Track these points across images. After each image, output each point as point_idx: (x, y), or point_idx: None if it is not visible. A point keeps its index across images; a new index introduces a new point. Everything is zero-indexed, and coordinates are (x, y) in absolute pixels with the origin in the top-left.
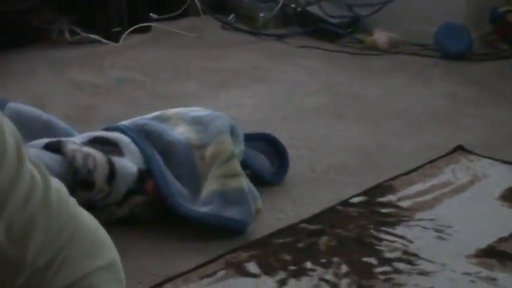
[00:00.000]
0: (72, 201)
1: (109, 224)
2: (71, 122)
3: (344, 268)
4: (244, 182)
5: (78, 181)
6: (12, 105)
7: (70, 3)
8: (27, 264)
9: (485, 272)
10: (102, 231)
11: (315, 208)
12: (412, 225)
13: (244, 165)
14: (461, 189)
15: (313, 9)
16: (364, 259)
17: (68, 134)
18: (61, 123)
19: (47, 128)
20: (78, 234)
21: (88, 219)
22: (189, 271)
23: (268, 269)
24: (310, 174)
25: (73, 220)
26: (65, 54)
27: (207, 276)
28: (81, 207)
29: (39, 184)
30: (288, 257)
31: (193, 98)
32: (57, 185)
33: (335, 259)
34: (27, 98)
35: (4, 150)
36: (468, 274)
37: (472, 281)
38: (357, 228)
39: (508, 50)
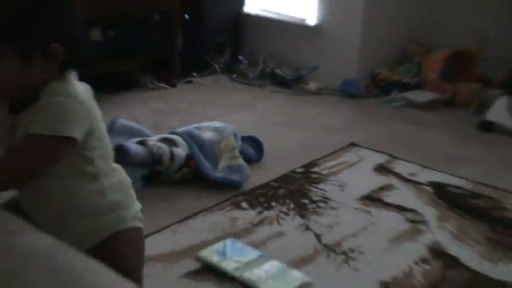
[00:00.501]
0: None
1: (170, 182)
2: (151, 129)
3: (291, 205)
4: (241, 161)
5: (155, 160)
6: (120, 120)
7: (152, 67)
8: (116, 203)
9: (364, 208)
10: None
11: (277, 174)
12: (327, 183)
13: (240, 152)
14: (352, 164)
15: (278, 71)
16: (302, 200)
17: (149, 135)
18: (146, 130)
19: (139, 133)
20: (131, 188)
21: (129, 180)
22: (211, 206)
23: (252, 205)
24: (274, 157)
25: (128, 179)
26: (148, 94)
27: (221, 209)
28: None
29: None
30: (262, 199)
31: (215, 117)
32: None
33: (287, 201)
34: (129, 117)
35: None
36: (356, 208)
37: (358, 212)
38: (298, 185)
39: (379, 93)
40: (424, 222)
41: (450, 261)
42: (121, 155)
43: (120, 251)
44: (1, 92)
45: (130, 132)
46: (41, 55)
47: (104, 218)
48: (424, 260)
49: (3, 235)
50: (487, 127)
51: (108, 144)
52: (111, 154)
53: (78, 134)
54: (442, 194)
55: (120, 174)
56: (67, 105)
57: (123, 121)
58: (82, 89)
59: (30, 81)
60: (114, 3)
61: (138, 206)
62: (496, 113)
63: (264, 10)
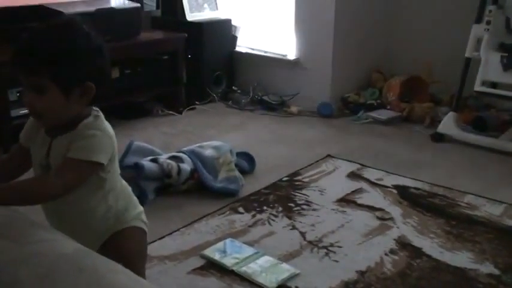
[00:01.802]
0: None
1: (178, 192)
2: (162, 148)
3: (280, 208)
4: (237, 173)
5: (165, 174)
6: (136, 142)
7: (161, 98)
8: (115, 209)
9: (340, 209)
10: (135, 197)
11: (267, 183)
12: (308, 189)
13: (236, 165)
14: (329, 173)
15: (265, 97)
16: (289, 204)
17: (160, 154)
18: (157, 149)
19: (151, 152)
20: (132, 195)
21: (129, 189)
22: (213, 212)
23: (247, 209)
24: (264, 168)
25: (129, 188)
26: (159, 120)
27: (221, 214)
28: (128, 186)
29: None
30: (255, 204)
31: (214, 137)
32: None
33: (276, 205)
34: (143, 139)
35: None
36: (333, 209)
37: (336, 212)
38: (285, 191)
39: (349, 113)
40: (391, 219)
41: (415, 251)
42: (137, 171)
43: (120, 246)
44: (46, 120)
45: (144, 152)
46: (78, 91)
47: (107, 222)
48: (392, 252)
49: (37, 243)
50: (439, 138)
51: (117, 163)
52: (118, 171)
53: (105, 160)
54: (404, 195)
55: (122, 185)
56: (100, 138)
57: (138, 143)
58: (109, 125)
59: (68, 112)
60: (131, 48)
61: (139, 209)
62: (446, 126)
63: (253, 49)
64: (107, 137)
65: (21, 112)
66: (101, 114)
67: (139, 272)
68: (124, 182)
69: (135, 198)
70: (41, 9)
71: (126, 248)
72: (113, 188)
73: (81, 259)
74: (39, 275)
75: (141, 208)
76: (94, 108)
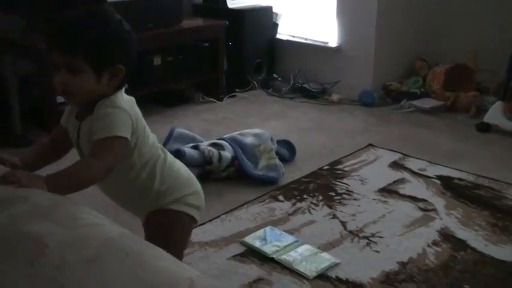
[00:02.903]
0: (177, 164)
1: (218, 180)
2: (202, 135)
3: (320, 197)
4: (277, 161)
5: (206, 161)
6: (177, 129)
7: (202, 85)
8: (155, 188)
9: (382, 199)
10: (191, 175)
11: (307, 171)
12: (349, 178)
13: (276, 153)
14: (370, 162)
15: (306, 85)
16: (329, 193)
17: (201, 141)
18: (198, 136)
19: (192, 139)
20: (180, 176)
21: (184, 169)
22: (253, 199)
23: (287, 198)
24: (304, 157)
25: (177, 168)
26: (199, 108)
27: (261, 201)
28: (180, 162)
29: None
30: (295, 193)
31: (255, 125)
32: (167, 153)
33: (316, 193)
34: (184, 126)
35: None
36: (375, 199)
37: (377, 202)
38: (325, 180)
39: (391, 102)
40: (434, 210)
41: (458, 243)
42: (178, 157)
43: (154, 227)
44: (77, 99)
45: (186, 139)
46: (108, 73)
47: (144, 198)
48: (435, 243)
49: (84, 226)
50: (485, 128)
51: (147, 143)
52: (152, 150)
53: (128, 135)
54: (448, 185)
55: (162, 165)
56: (115, 114)
57: (180, 130)
58: (126, 100)
59: (97, 93)
60: (172, 36)
61: (188, 190)
62: (492, 116)
63: (294, 36)
64: (122, 113)
65: None
66: (119, 93)
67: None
68: (172, 161)
69: (187, 178)
70: None
71: (157, 231)
72: (148, 165)
73: (127, 244)
74: (86, 258)
75: (193, 189)
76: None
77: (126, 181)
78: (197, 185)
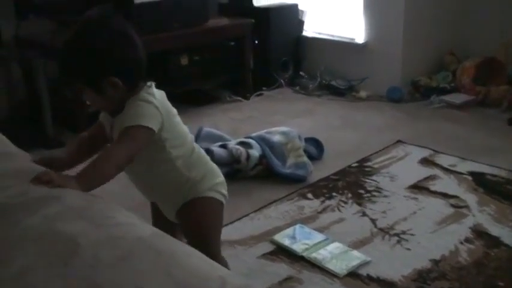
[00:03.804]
0: (205, 155)
1: (246, 179)
2: (230, 134)
3: (349, 195)
4: (305, 159)
5: (234, 160)
6: (205, 128)
7: (229, 84)
8: (191, 178)
9: (412, 196)
10: (216, 167)
11: (336, 169)
12: (379, 175)
13: (304, 151)
14: (400, 158)
15: (333, 82)
16: (358, 190)
17: (229, 140)
18: (226, 135)
19: (220, 138)
20: (209, 166)
21: (211, 162)
22: (282, 197)
23: (316, 195)
24: (333, 154)
25: (206, 159)
26: (226, 106)
27: (290, 200)
28: (208, 157)
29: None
30: (324, 190)
31: (282, 122)
32: (198, 146)
33: (345, 191)
34: (212, 125)
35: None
36: (405, 196)
37: (407, 199)
38: (354, 177)
39: (420, 97)
40: (466, 207)
41: (492, 241)
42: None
43: (192, 215)
44: (105, 109)
45: (214, 138)
46: (107, 84)
47: (181, 190)
48: (468, 240)
49: (115, 226)
50: None
51: (180, 135)
52: (186, 142)
53: (153, 126)
54: (480, 182)
55: (199, 154)
56: (143, 107)
57: (208, 129)
58: (157, 95)
59: (112, 101)
60: (199, 35)
61: (218, 179)
62: None
63: (320, 33)
64: (150, 106)
65: None
66: (149, 89)
67: (210, 243)
68: (202, 152)
69: (215, 168)
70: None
71: (196, 217)
72: (182, 156)
73: (158, 242)
74: (118, 257)
75: (221, 179)
76: (147, 84)
77: (162, 173)
78: (222, 175)
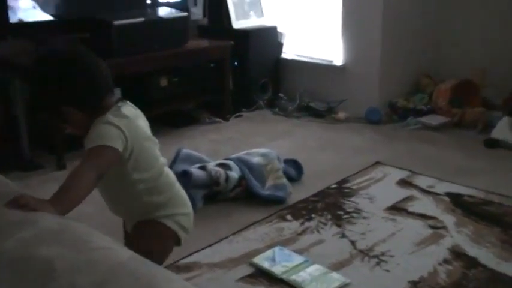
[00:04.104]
0: (176, 183)
1: (225, 201)
2: (209, 156)
3: (329, 216)
4: (284, 180)
5: (213, 182)
6: (184, 150)
7: (208, 105)
8: (150, 202)
9: (391, 217)
10: (187, 199)
11: (315, 190)
12: (358, 196)
13: (284, 172)
14: (378, 180)
15: (312, 104)
16: (337, 212)
17: (208, 161)
18: (205, 157)
19: (199, 159)
20: (175, 194)
21: (181, 192)
22: (261, 219)
23: (295, 217)
24: (312, 175)
25: (175, 187)
26: (206, 128)
27: (269, 221)
28: (179, 186)
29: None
30: (304, 212)
31: (261, 144)
32: (170, 172)
33: (324, 212)
34: (191, 147)
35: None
36: (384, 217)
37: (386, 220)
38: (333, 198)
39: (398, 119)
40: (444, 227)
41: (470, 261)
42: (186, 178)
43: (139, 235)
44: (75, 132)
45: (193, 159)
46: (63, 112)
47: (136, 208)
48: (446, 261)
49: (93, 250)
50: (493, 144)
51: (148, 159)
52: (153, 167)
53: (116, 145)
54: (458, 202)
55: (162, 181)
56: (102, 128)
57: (187, 150)
58: (130, 114)
59: (74, 125)
60: (178, 57)
61: (178, 210)
62: (500, 131)
63: (299, 55)
64: (110, 128)
65: None
66: (118, 109)
67: None
68: (172, 179)
69: (182, 199)
70: (93, 21)
71: (141, 239)
72: (145, 180)
73: (137, 267)
74: (96, 282)
75: (186, 210)
76: (117, 104)
77: (120, 191)
78: (190, 209)
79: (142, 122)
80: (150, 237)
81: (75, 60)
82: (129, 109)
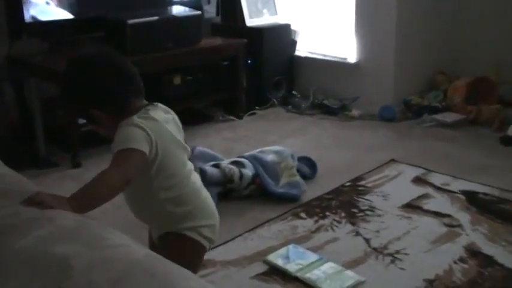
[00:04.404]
0: (202, 192)
1: (240, 198)
2: (223, 154)
3: (343, 214)
4: (298, 178)
5: (227, 180)
6: (198, 148)
7: (222, 103)
8: (173, 213)
9: (406, 215)
10: (214, 208)
11: (329, 188)
12: (372, 194)
13: (298, 170)
14: (393, 177)
15: (325, 101)
16: (352, 209)
17: (222, 159)
18: (219, 155)
19: (213, 157)
20: (199, 205)
21: (209, 201)
22: (275, 217)
23: (310, 215)
24: (326, 173)
25: (201, 197)
26: (220, 126)
27: (283, 219)
28: (206, 195)
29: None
30: (318, 210)
31: (275, 142)
32: (197, 178)
33: (339, 210)
34: (205, 145)
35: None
36: (398, 215)
37: (401, 218)
38: (348, 196)
39: (412, 116)
40: (459, 226)
41: (486, 260)
42: (200, 176)
43: (167, 249)
44: (103, 135)
45: (207, 157)
46: (92, 114)
47: (160, 219)
48: (462, 260)
49: (109, 248)
50: (509, 141)
51: (172, 166)
52: (177, 174)
53: (142, 148)
54: (473, 200)
55: (188, 191)
56: (126, 131)
57: (201, 148)
58: (159, 116)
59: (103, 127)
60: (192, 55)
61: (202, 222)
62: None
63: (312, 53)
64: (135, 129)
65: None
66: (147, 112)
67: None
68: (197, 187)
69: (207, 209)
70: (107, 20)
71: (170, 254)
72: (169, 188)
73: (153, 264)
74: (112, 279)
75: (210, 222)
76: (146, 107)
77: (143, 199)
78: (216, 219)
79: (172, 127)
80: (177, 254)
81: (101, 64)
82: (159, 113)
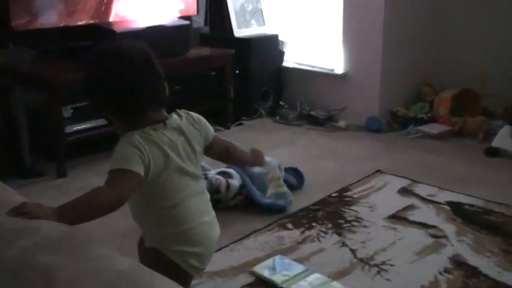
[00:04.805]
0: (200, 214)
1: (226, 209)
2: (210, 164)
3: (329, 225)
4: (285, 189)
5: (214, 190)
6: None
7: (209, 113)
8: (158, 232)
9: (391, 226)
10: (206, 237)
11: (316, 198)
12: (358, 205)
13: (284, 181)
14: (379, 188)
15: (313, 112)
16: (338, 220)
17: (209, 170)
18: (206, 165)
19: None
20: (187, 232)
21: (205, 227)
22: (261, 228)
23: (296, 226)
24: (312, 184)
25: (190, 224)
26: None
27: (270, 230)
28: (204, 219)
29: None
30: (304, 221)
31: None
32: (198, 203)
33: (325, 221)
34: None
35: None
36: (384, 226)
37: (387, 229)
38: (334, 207)
39: (398, 128)
40: (444, 237)
41: (471, 271)
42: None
43: (148, 264)
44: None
45: None
46: (110, 120)
47: (147, 231)
48: (447, 271)
49: (94, 259)
50: (493, 153)
51: (168, 189)
52: (171, 198)
53: (136, 169)
54: (458, 211)
55: (177, 214)
56: (124, 150)
57: None
58: (153, 140)
59: (118, 130)
60: (180, 65)
61: (186, 249)
62: (500, 140)
63: (300, 64)
64: (132, 149)
65: (74, 128)
66: (153, 128)
67: None
68: (197, 219)
69: (195, 238)
70: (95, 29)
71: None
72: (150, 206)
73: (138, 276)
74: None
75: (196, 250)
76: (164, 122)
77: (133, 203)
78: (205, 248)
79: (180, 149)
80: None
81: (115, 71)
82: (172, 133)
